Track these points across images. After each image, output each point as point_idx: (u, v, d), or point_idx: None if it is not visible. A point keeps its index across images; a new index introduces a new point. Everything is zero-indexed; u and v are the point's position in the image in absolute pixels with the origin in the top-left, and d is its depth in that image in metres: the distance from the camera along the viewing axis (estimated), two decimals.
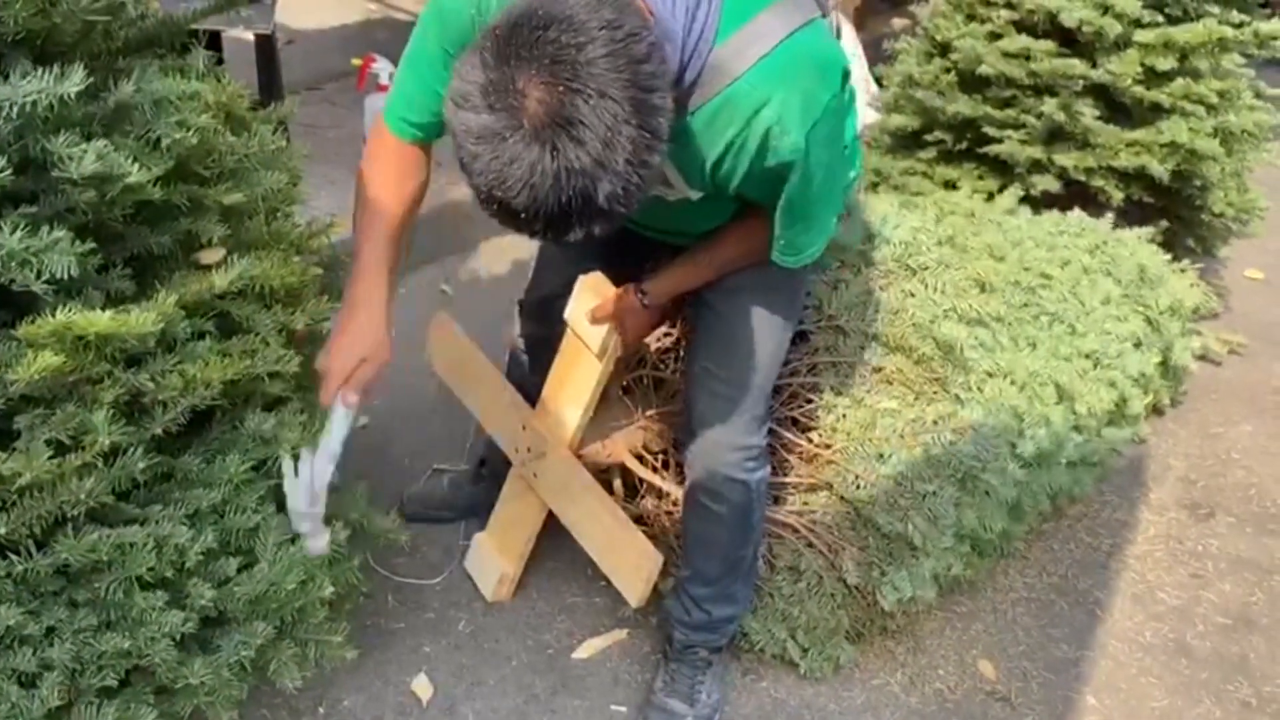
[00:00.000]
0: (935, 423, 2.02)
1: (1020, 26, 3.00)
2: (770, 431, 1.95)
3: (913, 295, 2.12)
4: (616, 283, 1.81)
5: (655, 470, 2.08)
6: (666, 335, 2.07)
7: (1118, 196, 2.96)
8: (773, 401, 2.01)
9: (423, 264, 3.14)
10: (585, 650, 2.06)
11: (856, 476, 1.99)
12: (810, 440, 2.05)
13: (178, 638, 1.41)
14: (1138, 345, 2.47)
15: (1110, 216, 2.78)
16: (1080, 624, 2.27)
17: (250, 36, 2.98)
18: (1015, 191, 2.92)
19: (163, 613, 1.39)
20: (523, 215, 1.16)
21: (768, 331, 1.76)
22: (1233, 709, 2.11)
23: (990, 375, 2.11)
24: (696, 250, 1.71)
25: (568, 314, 1.87)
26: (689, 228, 1.71)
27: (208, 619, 1.47)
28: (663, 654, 2.00)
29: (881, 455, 2.00)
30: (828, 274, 2.13)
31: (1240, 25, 2.92)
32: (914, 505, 1.96)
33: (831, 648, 2.04)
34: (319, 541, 1.58)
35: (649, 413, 2.06)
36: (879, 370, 2.08)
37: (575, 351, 1.89)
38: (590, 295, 1.82)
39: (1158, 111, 2.94)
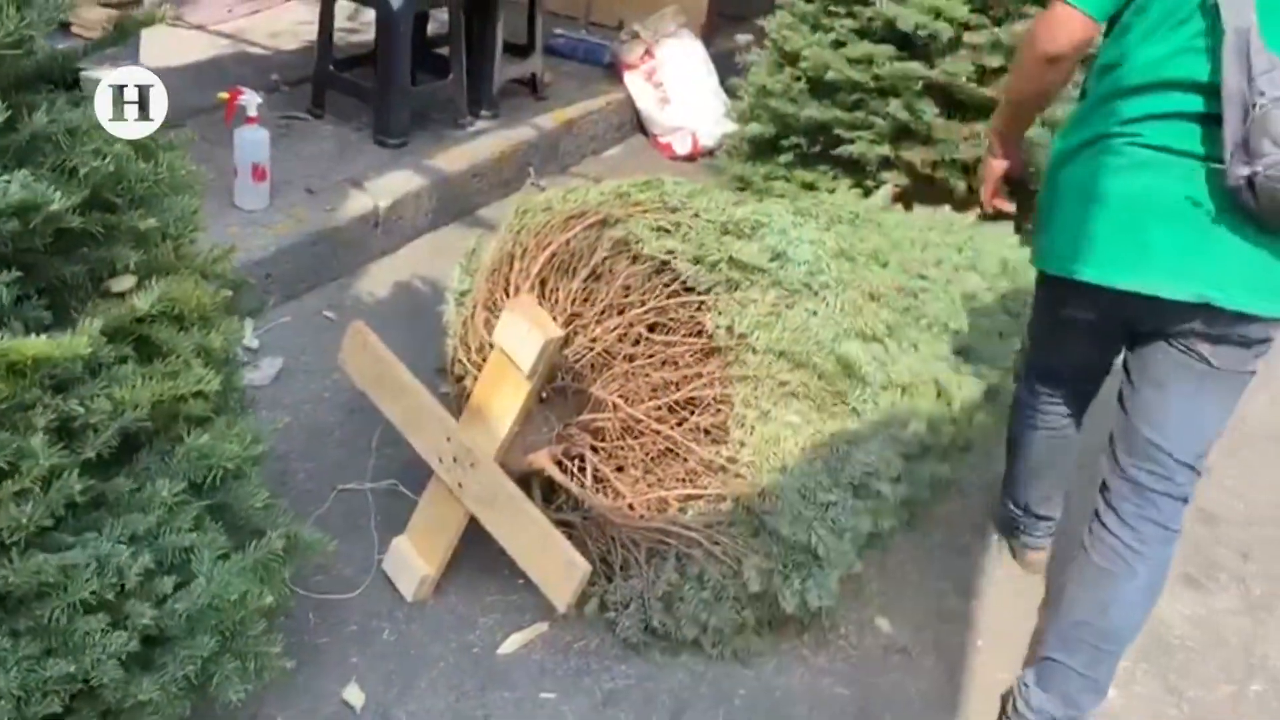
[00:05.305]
0: (833, 435, 2.14)
1: (862, 33, 3.21)
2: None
3: (815, 314, 2.23)
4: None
5: (573, 477, 2.16)
6: (588, 349, 2.15)
7: (960, 187, 3.18)
8: (686, 413, 2.13)
9: (304, 291, 3.15)
10: (509, 645, 2.12)
11: (763, 489, 2.09)
12: (719, 453, 2.15)
13: (123, 658, 1.43)
14: (1002, 336, 2.66)
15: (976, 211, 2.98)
16: (964, 577, 2.46)
17: None
18: (886, 191, 3.10)
19: (105, 634, 1.41)
20: None
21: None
22: None
23: (884, 388, 2.24)
24: None
25: (496, 334, 1.96)
26: None
27: (149, 638, 1.49)
28: None
29: (785, 468, 2.10)
30: (738, 293, 2.22)
31: None
32: (817, 516, 2.05)
33: (741, 640, 2.14)
34: None
35: (568, 422, 2.14)
36: (784, 384, 2.18)
37: (502, 368, 1.97)
38: (518, 316, 1.92)
39: (992, 106, 3.18)
